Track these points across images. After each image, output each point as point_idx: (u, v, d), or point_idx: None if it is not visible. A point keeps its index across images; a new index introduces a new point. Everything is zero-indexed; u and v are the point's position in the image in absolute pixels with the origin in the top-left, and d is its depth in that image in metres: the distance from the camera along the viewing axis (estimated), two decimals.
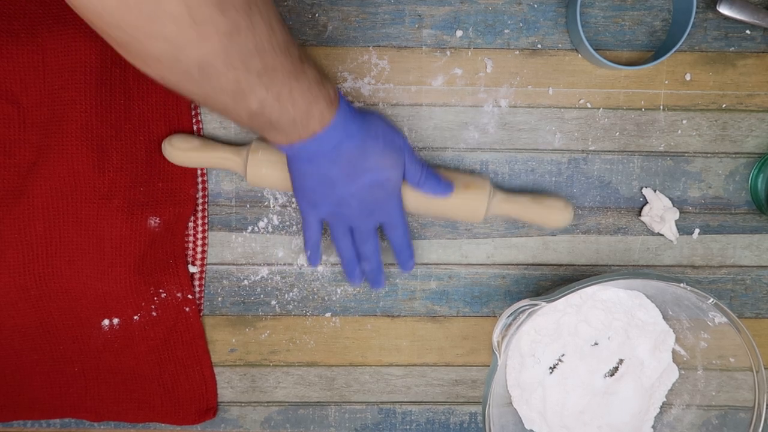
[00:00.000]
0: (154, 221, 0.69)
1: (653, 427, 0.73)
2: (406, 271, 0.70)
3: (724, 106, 0.71)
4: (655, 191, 0.72)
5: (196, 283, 0.72)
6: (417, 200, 0.67)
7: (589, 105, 0.71)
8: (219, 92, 0.51)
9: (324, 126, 0.58)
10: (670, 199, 0.72)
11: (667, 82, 0.71)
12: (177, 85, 0.50)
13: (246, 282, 0.73)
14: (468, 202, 0.68)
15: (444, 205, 0.68)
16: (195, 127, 0.71)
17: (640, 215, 0.73)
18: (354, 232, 0.66)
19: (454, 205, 0.68)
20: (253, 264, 0.73)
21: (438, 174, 0.67)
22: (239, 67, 0.49)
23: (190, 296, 0.72)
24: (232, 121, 0.59)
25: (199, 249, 0.72)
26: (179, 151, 0.68)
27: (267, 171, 0.67)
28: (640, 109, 0.71)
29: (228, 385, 0.75)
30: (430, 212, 0.69)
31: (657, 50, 0.70)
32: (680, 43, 0.66)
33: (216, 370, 0.74)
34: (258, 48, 0.49)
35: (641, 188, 0.72)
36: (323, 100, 0.57)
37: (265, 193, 0.72)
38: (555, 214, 0.69)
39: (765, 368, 0.64)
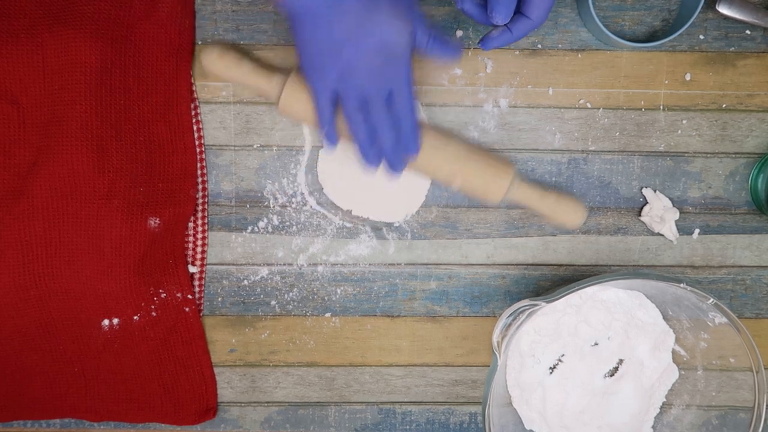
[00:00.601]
0: (153, 221, 0.69)
1: (653, 427, 0.73)
2: (412, 153, 0.65)
3: (724, 106, 0.71)
4: (655, 191, 0.72)
5: (196, 283, 0.72)
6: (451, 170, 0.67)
7: (589, 105, 0.71)
8: None
9: None
10: (670, 199, 0.72)
11: (667, 82, 0.71)
12: None
13: (246, 282, 0.73)
14: (492, 181, 0.67)
15: (470, 177, 0.67)
16: (195, 128, 0.71)
17: (640, 215, 0.73)
18: (368, 104, 0.61)
19: (478, 183, 0.67)
20: (253, 264, 0.73)
21: (446, 38, 0.62)
22: None
23: (190, 296, 0.72)
24: None
25: (199, 249, 0.72)
26: (219, 61, 0.66)
27: (302, 102, 0.66)
28: (640, 109, 0.71)
29: (228, 385, 0.75)
30: (456, 180, 0.68)
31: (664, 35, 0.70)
32: (694, 17, 0.66)
33: (216, 370, 0.74)
34: None
35: (641, 188, 0.72)
36: None
37: (264, 193, 0.72)
38: (567, 214, 0.69)
39: (765, 368, 0.64)
